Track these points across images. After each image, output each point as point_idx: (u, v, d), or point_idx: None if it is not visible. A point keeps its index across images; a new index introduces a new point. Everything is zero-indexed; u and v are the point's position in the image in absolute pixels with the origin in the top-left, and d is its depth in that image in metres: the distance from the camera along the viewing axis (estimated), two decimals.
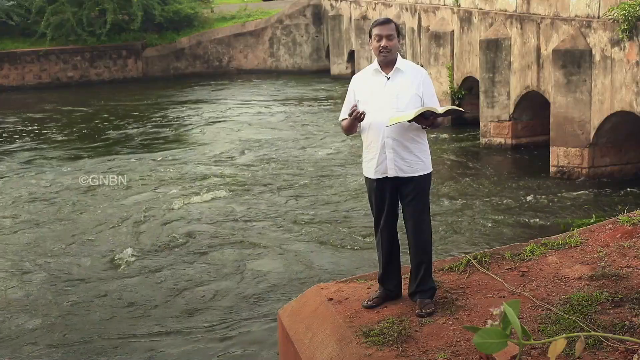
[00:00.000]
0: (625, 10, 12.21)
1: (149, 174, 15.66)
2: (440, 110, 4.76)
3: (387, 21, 4.97)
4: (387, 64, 4.93)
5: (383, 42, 4.87)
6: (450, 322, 4.55)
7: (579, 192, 13.24)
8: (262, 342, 8.33)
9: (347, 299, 5.04)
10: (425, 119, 4.74)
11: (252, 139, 18.56)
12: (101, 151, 18.03)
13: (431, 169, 4.98)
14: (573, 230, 6.13)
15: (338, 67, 28.06)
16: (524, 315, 4.47)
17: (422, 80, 4.93)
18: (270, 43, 30.15)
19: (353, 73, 24.80)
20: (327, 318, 4.83)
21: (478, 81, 16.99)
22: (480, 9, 17.47)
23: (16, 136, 20.31)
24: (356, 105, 4.84)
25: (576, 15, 13.87)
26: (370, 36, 4.98)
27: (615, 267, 5.09)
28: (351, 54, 26.94)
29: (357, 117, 4.81)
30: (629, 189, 13.29)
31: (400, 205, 5.00)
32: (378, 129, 4.85)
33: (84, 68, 28.87)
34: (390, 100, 4.85)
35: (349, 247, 11.08)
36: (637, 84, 12.24)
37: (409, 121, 4.71)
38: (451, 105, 18.45)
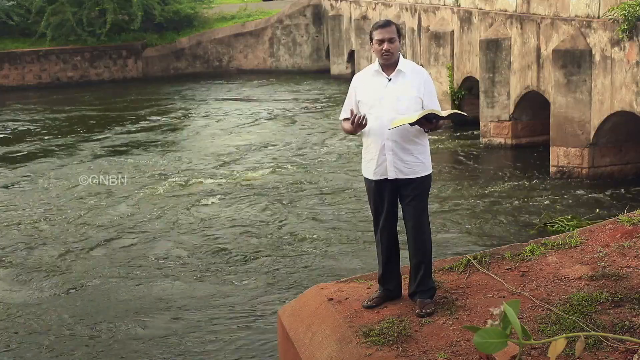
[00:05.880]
0: (625, 10, 12.21)
1: (149, 173, 15.66)
2: (444, 113, 4.74)
3: (387, 24, 4.92)
4: (389, 66, 4.92)
5: (385, 46, 4.84)
6: (450, 322, 4.55)
7: (579, 192, 13.24)
8: (262, 342, 8.33)
9: (347, 299, 5.04)
10: (429, 122, 4.71)
11: (251, 139, 18.57)
12: (101, 151, 18.03)
13: (431, 170, 4.97)
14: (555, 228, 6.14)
15: (338, 67, 28.05)
16: (524, 315, 4.47)
17: (423, 81, 4.91)
18: (270, 43, 30.14)
19: (353, 73, 24.81)
20: (327, 318, 4.83)
21: (478, 81, 16.99)
22: (480, 9, 17.47)
23: (16, 136, 20.31)
24: (357, 115, 4.78)
25: (576, 15, 13.87)
26: (371, 38, 4.96)
27: (615, 267, 5.09)
28: (351, 54, 26.93)
29: (359, 124, 4.78)
30: (629, 189, 13.29)
31: (399, 206, 5.00)
32: (378, 130, 4.83)
33: (84, 68, 28.87)
34: (391, 102, 4.84)
35: (349, 247, 11.08)
36: (637, 84, 12.24)
37: (411, 124, 4.69)
38: (452, 105, 18.57)
